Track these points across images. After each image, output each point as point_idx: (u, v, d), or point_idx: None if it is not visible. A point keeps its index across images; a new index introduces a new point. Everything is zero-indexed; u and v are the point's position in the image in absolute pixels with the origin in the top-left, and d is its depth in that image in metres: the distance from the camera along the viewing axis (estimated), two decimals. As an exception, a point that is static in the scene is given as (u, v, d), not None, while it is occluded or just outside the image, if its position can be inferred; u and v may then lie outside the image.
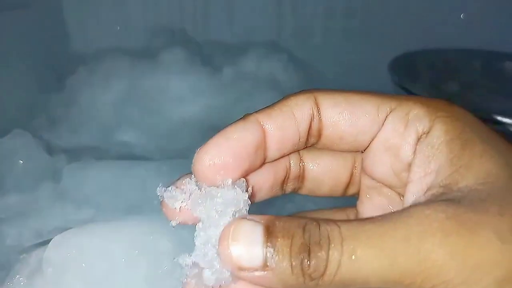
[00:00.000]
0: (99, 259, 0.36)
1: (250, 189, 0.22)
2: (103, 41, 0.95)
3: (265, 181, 0.24)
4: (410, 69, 0.74)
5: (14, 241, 0.49)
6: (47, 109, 0.79)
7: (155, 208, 0.51)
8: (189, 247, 0.43)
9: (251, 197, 0.22)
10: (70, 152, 0.66)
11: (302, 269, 0.18)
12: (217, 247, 0.20)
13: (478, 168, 0.19)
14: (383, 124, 0.22)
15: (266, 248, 0.18)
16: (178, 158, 0.65)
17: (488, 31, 0.97)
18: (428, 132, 0.21)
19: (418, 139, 0.21)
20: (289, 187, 0.26)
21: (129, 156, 0.69)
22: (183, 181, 0.22)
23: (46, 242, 0.39)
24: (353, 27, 1.01)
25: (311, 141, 0.23)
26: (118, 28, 0.98)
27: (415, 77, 0.72)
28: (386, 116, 0.22)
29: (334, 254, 0.17)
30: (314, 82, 0.90)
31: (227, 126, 0.22)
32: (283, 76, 0.83)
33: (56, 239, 0.36)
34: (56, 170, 0.60)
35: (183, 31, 0.97)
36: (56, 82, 0.85)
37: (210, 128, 0.72)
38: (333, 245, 0.18)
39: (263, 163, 0.23)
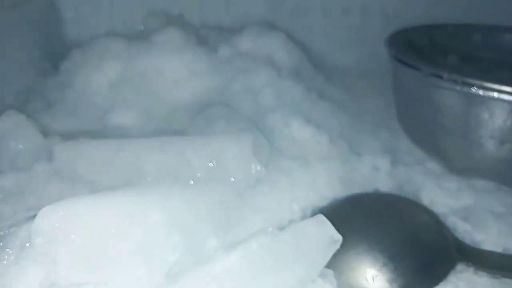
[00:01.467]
0: (89, 229, 0.36)
1: None
2: (98, 25, 0.94)
3: None
4: (409, 44, 0.73)
5: (9, 220, 0.49)
6: (42, 93, 0.78)
7: (148, 183, 0.51)
8: (182, 219, 0.43)
9: None
10: (65, 135, 0.65)
11: None
12: None
13: None
14: None
15: None
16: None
17: (487, 4, 0.95)
18: None
19: None
20: None
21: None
22: None
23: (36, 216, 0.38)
24: (352, 6, 1.00)
25: None
26: (110, 13, 0.97)
27: (413, 51, 0.71)
28: None
29: None
30: (311, 61, 0.89)
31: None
32: (280, 55, 0.81)
33: (45, 210, 0.35)
34: (50, 151, 0.59)
35: (179, 15, 0.96)
36: (50, 65, 0.84)
37: (207, 108, 0.72)
38: None
39: None
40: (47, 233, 0.35)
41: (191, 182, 0.50)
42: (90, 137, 0.68)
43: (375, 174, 0.57)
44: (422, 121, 0.62)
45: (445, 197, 0.55)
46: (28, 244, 0.36)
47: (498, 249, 0.46)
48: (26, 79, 0.82)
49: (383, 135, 0.69)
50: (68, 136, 0.66)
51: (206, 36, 0.89)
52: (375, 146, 0.65)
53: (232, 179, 0.50)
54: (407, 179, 0.57)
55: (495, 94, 0.52)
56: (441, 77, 0.56)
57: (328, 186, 0.53)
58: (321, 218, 0.39)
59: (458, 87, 0.54)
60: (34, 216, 0.38)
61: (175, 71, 0.77)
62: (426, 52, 0.73)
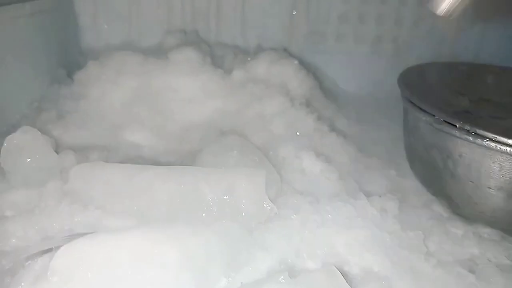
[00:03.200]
0: (104, 268, 0.36)
1: None
2: (115, 38, 0.95)
3: None
4: (421, 82, 0.73)
5: (20, 240, 0.49)
6: (56, 102, 0.79)
7: (161, 215, 0.51)
8: (194, 259, 0.43)
9: None
10: (78, 151, 0.66)
11: None
12: None
13: None
14: None
15: None
16: (186, 162, 0.65)
17: (500, 46, 0.96)
18: None
19: None
20: None
21: (137, 156, 0.68)
22: None
23: (51, 250, 0.39)
24: (365, 34, 1.00)
25: None
26: (127, 24, 0.98)
27: (426, 91, 0.72)
28: None
29: None
30: (323, 87, 0.90)
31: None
32: (293, 82, 0.82)
33: (63, 249, 0.36)
34: (63, 169, 0.60)
35: (195, 32, 0.97)
36: (65, 73, 0.85)
37: (220, 131, 0.72)
38: None
39: None
40: (64, 272, 0.35)
41: (203, 214, 0.50)
42: (101, 152, 0.69)
43: (384, 216, 0.58)
44: (431, 164, 0.63)
45: (452, 245, 0.55)
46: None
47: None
48: (41, 86, 0.82)
49: (391, 173, 0.70)
50: (80, 150, 0.67)
51: (221, 56, 0.90)
52: (383, 184, 0.66)
53: (243, 214, 0.51)
54: (415, 223, 0.58)
55: (507, 149, 0.52)
56: (454, 125, 0.56)
57: (336, 226, 0.54)
58: (333, 270, 0.40)
59: (470, 138, 0.55)
60: (49, 250, 0.38)
61: (190, 92, 0.78)
62: (438, 91, 0.74)
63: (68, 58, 0.90)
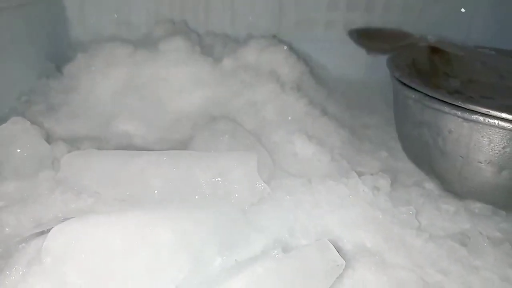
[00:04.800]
0: (98, 249, 0.36)
1: None
2: (103, 29, 0.95)
3: None
4: (411, 65, 0.74)
5: (13, 229, 0.49)
6: (45, 95, 0.78)
7: (155, 200, 0.51)
8: (189, 240, 0.43)
9: None
10: (69, 140, 0.66)
11: None
12: None
13: None
14: None
15: None
16: (179, 149, 0.65)
17: (489, 29, 0.97)
18: None
19: None
20: None
21: (129, 146, 0.68)
22: None
23: (44, 232, 0.39)
24: (355, 20, 1.01)
25: None
26: (116, 16, 0.97)
27: (415, 72, 0.72)
28: None
29: None
30: (314, 73, 0.90)
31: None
32: (283, 69, 0.82)
33: (56, 229, 0.36)
34: (55, 158, 0.60)
35: (183, 22, 0.96)
36: (54, 66, 0.84)
37: (213, 122, 0.72)
38: None
39: None
40: (57, 252, 0.35)
41: (196, 197, 0.50)
42: (93, 142, 0.69)
43: (376, 194, 0.58)
44: (422, 143, 0.63)
45: (443, 220, 0.56)
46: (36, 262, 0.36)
47: (495, 280, 0.47)
48: (30, 79, 0.82)
49: (383, 155, 0.70)
50: (72, 141, 0.66)
51: (211, 45, 0.90)
52: (375, 166, 0.66)
53: (236, 195, 0.51)
54: (406, 200, 0.58)
55: (496, 121, 0.53)
56: (443, 101, 0.57)
57: (329, 206, 0.54)
58: (325, 243, 0.40)
59: (459, 113, 0.55)
60: (42, 232, 0.38)
61: (180, 81, 0.78)
62: (428, 73, 0.75)
63: (57, 51, 0.90)
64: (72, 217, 0.40)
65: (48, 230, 0.37)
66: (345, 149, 0.69)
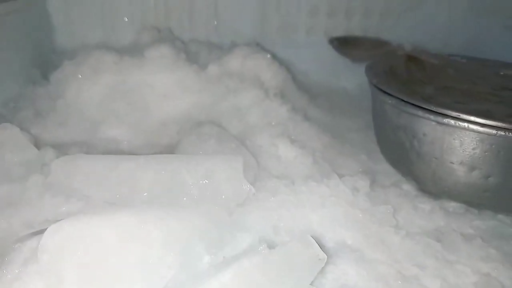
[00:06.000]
0: (93, 247, 0.38)
1: None
2: (89, 36, 0.96)
3: None
4: (389, 72, 0.77)
5: (5, 233, 0.50)
6: (32, 101, 0.79)
7: (144, 202, 0.53)
8: (177, 238, 0.45)
9: None
10: (57, 146, 0.67)
11: None
12: None
13: None
14: None
15: None
16: (165, 153, 0.67)
17: (464, 35, 1.02)
18: None
19: None
20: None
21: (116, 151, 0.70)
22: None
23: (39, 232, 0.40)
24: (336, 26, 1.04)
25: None
26: (101, 23, 0.98)
27: (392, 79, 0.76)
28: None
29: None
30: (296, 80, 0.93)
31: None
32: (266, 75, 0.85)
33: (52, 228, 0.37)
34: (44, 164, 0.61)
35: (168, 30, 0.98)
36: (40, 73, 0.85)
37: (199, 126, 0.74)
38: None
39: None
40: (54, 250, 0.37)
41: (185, 198, 0.52)
42: (81, 148, 0.70)
43: (355, 194, 0.61)
44: (399, 146, 0.67)
45: (420, 219, 0.59)
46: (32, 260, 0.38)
47: (468, 272, 0.50)
48: (16, 85, 0.83)
49: (363, 158, 0.73)
50: (60, 147, 0.68)
51: (196, 52, 0.92)
52: (355, 168, 0.69)
53: (223, 196, 0.53)
54: (385, 200, 0.61)
55: (466, 124, 0.57)
56: (418, 106, 0.60)
57: (311, 206, 0.57)
58: (308, 238, 0.43)
59: (432, 116, 0.59)
60: (37, 232, 0.40)
61: (166, 87, 0.80)
62: (405, 80, 0.78)
63: (42, 58, 0.91)
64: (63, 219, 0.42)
65: (42, 231, 0.39)
66: (326, 152, 0.71)
